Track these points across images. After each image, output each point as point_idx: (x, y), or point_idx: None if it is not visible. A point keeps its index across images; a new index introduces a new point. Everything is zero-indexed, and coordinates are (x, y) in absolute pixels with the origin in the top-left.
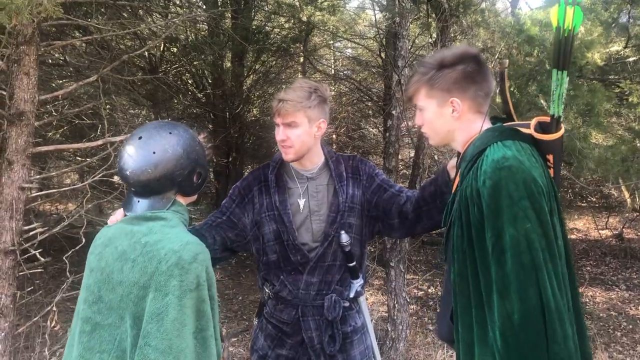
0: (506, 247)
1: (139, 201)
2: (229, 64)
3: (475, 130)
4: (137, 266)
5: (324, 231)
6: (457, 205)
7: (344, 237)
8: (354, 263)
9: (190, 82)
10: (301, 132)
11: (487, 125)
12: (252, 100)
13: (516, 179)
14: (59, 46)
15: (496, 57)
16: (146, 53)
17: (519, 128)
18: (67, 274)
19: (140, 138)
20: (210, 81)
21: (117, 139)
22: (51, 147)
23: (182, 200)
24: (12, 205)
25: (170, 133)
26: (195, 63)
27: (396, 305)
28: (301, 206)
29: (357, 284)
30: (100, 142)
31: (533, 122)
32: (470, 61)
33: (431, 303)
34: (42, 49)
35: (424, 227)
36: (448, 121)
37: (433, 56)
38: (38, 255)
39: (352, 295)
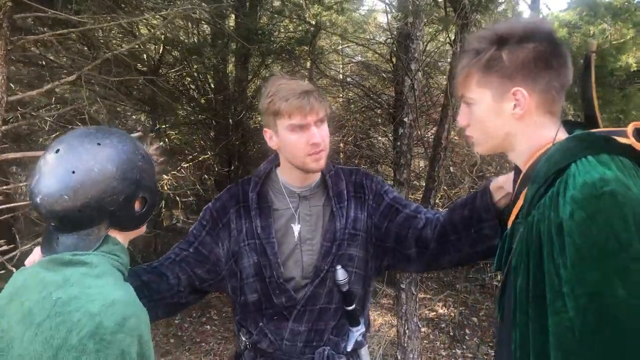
0: (607, 316)
1: (58, 238)
2: (231, 68)
3: (545, 138)
4: (42, 335)
5: (316, 265)
6: (522, 244)
7: (341, 274)
8: (354, 306)
9: (192, 86)
10: (328, 130)
11: (563, 131)
12: (256, 107)
13: (624, 212)
14: (32, 41)
15: None
16: (145, 55)
17: (613, 136)
18: None
19: (57, 151)
20: (212, 86)
21: None
22: (18, 155)
23: (119, 236)
24: None
25: (98, 144)
26: (196, 67)
27: (407, 332)
28: (291, 232)
29: (358, 332)
30: None
31: (630, 128)
32: (545, 38)
33: (444, 326)
34: (13, 44)
35: (451, 262)
36: (507, 121)
37: (490, 29)
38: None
39: (350, 347)
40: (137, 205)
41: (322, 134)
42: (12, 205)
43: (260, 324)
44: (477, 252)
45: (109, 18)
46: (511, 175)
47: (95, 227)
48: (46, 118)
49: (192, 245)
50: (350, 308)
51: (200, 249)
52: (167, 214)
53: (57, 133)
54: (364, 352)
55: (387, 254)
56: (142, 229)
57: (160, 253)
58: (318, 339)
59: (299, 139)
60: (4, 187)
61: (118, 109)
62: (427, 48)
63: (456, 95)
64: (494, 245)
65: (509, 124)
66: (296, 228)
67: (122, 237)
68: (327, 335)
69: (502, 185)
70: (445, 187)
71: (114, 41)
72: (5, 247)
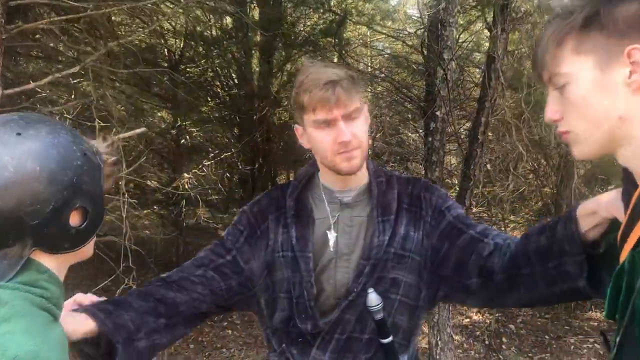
0: None
1: None
2: (256, 62)
3: None
4: None
5: (348, 285)
6: None
7: (373, 299)
8: (391, 339)
9: (215, 82)
10: (364, 124)
11: None
12: (281, 102)
13: None
14: (31, 29)
15: None
16: (165, 50)
17: None
18: None
19: None
20: (235, 81)
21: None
22: None
23: (47, 261)
24: None
25: (18, 134)
26: (218, 61)
27: (439, 343)
28: (327, 245)
29: None
30: None
31: None
32: None
33: (478, 334)
34: (9, 33)
35: (519, 301)
36: (619, 97)
37: None
38: None
39: None
40: (73, 219)
41: (353, 130)
42: None
43: (283, 345)
44: (554, 293)
45: (110, 3)
46: (613, 195)
47: (11, 247)
48: (66, 116)
49: (230, 252)
50: (385, 341)
51: (237, 258)
52: (189, 213)
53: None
54: None
55: (443, 282)
56: (86, 252)
57: (183, 255)
58: None
59: (326, 136)
60: None
61: (145, 106)
62: (460, 39)
63: (543, 80)
64: (577, 288)
65: (622, 102)
66: (332, 239)
67: (52, 262)
68: None
69: (594, 210)
70: (484, 189)
71: (125, 32)
72: None
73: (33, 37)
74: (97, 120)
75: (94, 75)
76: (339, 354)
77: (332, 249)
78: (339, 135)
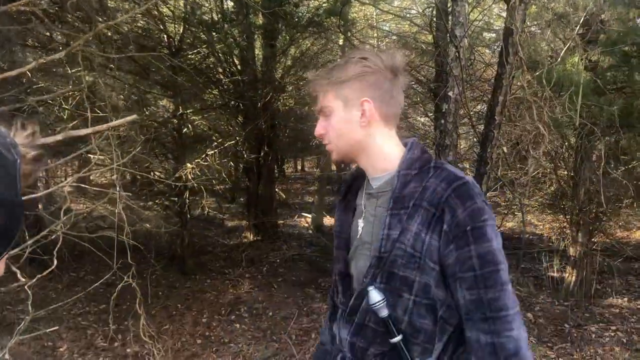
0: None
1: None
2: (258, 47)
3: None
4: None
5: (364, 275)
6: None
7: (372, 296)
8: (399, 338)
9: (218, 68)
10: (337, 120)
11: None
12: (285, 88)
13: None
14: (10, 12)
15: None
16: (165, 36)
17: None
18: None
19: None
20: (239, 67)
21: (81, 132)
22: None
23: None
24: None
25: None
26: (219, 47)
27: None
28: (357, 231)
29: None
30: (59, 136)
31: None
32: None
33: None
34: None
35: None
36: (355, 128)
37: None
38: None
39: None
40: None
41: (323, 125)
42: None
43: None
44: None
45: None
46: None
47: None
48: (65, 107)
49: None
50: (393, 340)
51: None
52: (194, 204)
53: (75, 121)
54: None
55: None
56: None
57: (188, 247)
58: (360, 357)
59: None
60: None
61: (148, 95)
62: (470, 18)
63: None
64: None
65: (358, 132)
66: (360, 227)
67: None
68: (371, 358)
69: None
70: (497, 171)
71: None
72: None
73: (23, 22)
74: (88, 108)
75: (84, 61)
76: (356, 337)
77: (358, 236)
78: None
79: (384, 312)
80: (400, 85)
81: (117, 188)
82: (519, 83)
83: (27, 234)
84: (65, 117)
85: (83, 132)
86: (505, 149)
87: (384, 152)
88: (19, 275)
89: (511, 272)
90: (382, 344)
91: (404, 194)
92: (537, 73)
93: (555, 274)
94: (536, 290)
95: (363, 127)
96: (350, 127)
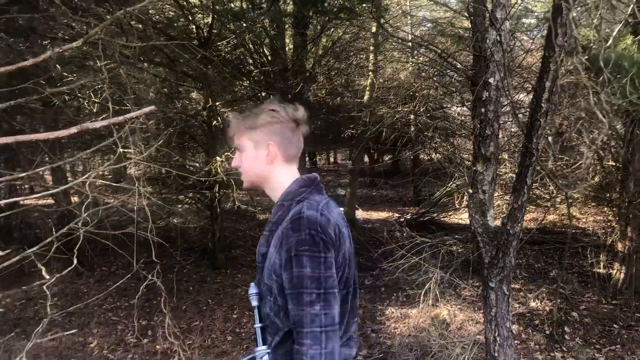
0: None
1: None
2: (288, 36)
3: None
4: None
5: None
6: None
7: (250, 289)
8: (260, 325)
9: (249, 60)
10: (248, 157)
11: None
12: (316, 78)
13: None
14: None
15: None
16: (193, 26)
17: None
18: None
19: None
20: (269, 58)
21: (97, 124)
22: (10, 139)
23: None
24: None
25: None
26: (248, 36)
27: (497, 339)
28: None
29: (258, 353)
30: (74, 129)
31: None
32: None
33: (537, 322)
34: None
35: None
36: (262, 164)
37: None
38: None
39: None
40: None
41: (238, 158)
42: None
43: None
44: None
45: None
46: None
47: None
48: (94, 100)
49: None
50: (255, 326)
51: None
52: (225, 198)
53: (105, 115)
54: None
55: None
56: None
57: (219, 241)
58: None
59: None
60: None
61: (180, 88)
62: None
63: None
64: None
65: (264, 167)
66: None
67: None
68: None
69: None
70: (541, 164)
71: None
72: None
73: (43, 11)
74: (109, 99)
75: (104, 52)
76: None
77: None
78: None
79: (254, 303)
80: (302, 132)
81: (137, 183)
82: (563, 69)
83: (54, 230)
84: (95, 110)
85: (98, 124)
86: (550, 138)
87: (282, 185)
88: (43, 272)
89: (554, 269)
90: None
91: (274, 220)
92: (586, 56)
93: (601, 271)
94: (581, 287)
95: (268, 164)
96: (258, 163)
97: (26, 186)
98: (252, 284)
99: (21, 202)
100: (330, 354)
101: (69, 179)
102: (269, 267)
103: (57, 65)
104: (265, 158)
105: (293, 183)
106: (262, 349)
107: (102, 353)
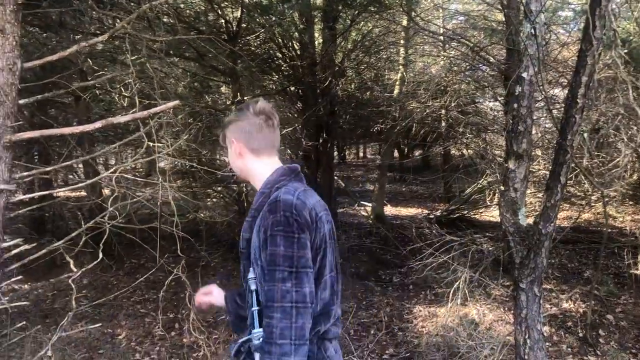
0: None
1: None
2: (317, 29)
3: None
4: None
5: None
6: None
7: (250, 274)
8: (257, 308)
9: (277, 54)
10: (228, 154)
11: None
12: (345, 72)
13: None
14: None
15: None
16: (222, 20)
17: None
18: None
19: None
20: (298, 52)
21: (120, 119)
22: (36, 133)
23: None
24: None
25: None
26: (277, 30)
27: (528, 341)
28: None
29: (256, 334)
30: (98, 124)
31: None
32: None
33: (570, 325)
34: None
35: None
36: (237, 158)
37: None
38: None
39: (240, 341)
40: None
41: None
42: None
43: None
44: None
45: None
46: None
47: None
48: (124, 94)
49: None
50: (252, 309)
51: None
52: (253, 192)
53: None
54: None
55: None
56: None
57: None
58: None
59: None
60: (29, 173)
61: (211, 83)
62: None
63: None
64: None
65: (239, 161)
66: None
67: None
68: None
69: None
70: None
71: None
72: (26, 246)
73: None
74: (135, 93)
75: (132, 46)
76: (246, 311)
77: None
78: None
79: (253, 287)
80: (272, 125)
81: (159, 177)
82: (601, 63)
83: (83, 223)
84: (125, 104)
85: (122, 119)
86: (586, 135)
87: (261, 175)
88: (71, 265)
89: (588, 269)
90: (250, 316)
91: (256, 207)
92: (625, 50)
93: (639, 272)
94: (617, 289)
95: (238, 158)
96: (233, 159)
97: (59, 179)
98: (251, 269)
99: (54, 195)
100: (301, 329)
101: (103, 172)
102: (253, 251)
103: (89, 60)
104: (234, 153)
105: (274, 172)
106: (259, 330)
107: (130, 345)
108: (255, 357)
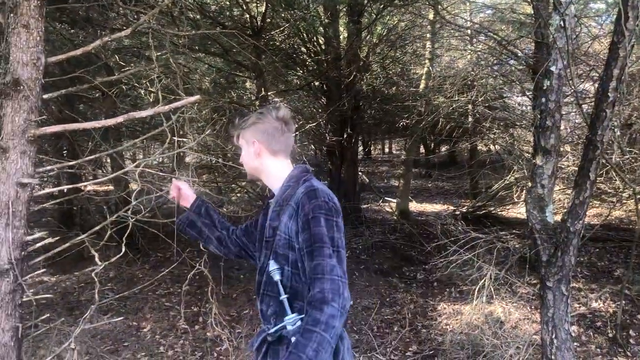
0: None
1: None
2: (342, 24)
3: None
4: None
5: (260, 256)
6: None
7: (270, 265)
8: (286, 296)
9: (302, 49)
10: (245, 153)
11: None
12: (370, 67)
13: None
14: None
15: None
16: (247, 15)
17: None
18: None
19: None
20: (323, 47)
21: (142, 114)
22: (59, 127)
23: None
24: (7, 208)
25: None
26: (301, 24)
27: (554, 341)
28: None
29: (290, 320)
30: (120, 118)
31: None
32: None
33: (599, 324)
34: None
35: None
36: (252, 158)
37: None
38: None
39: (271, 331)
40: None
41: (241, 155)
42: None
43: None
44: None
45: None
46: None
47: None
48: (150, 89)
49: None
50: (281, 298)
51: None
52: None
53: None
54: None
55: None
56: None
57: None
58: (266, 318)
59: None
60: (51, 167)
61: (236, 79)
62: None
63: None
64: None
65: (254, 161)
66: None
67: None
68: (267, 317)
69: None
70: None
71: None
72: (50, 240)
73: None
74: (159, 89)
75: (155, 40)
76: (262, 304)
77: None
78: None
79: (277, 277)
80: (290, 130)
81: (176, 172)
82: (634, 55)
83: (108, 216)
84: (151, 99)
85: (144, 113)
86: (617, 130)
87: (276, 174)
88: (96, 259)
89: (619, 268)
90: (274, 305)
91: (283, 198)
92: None
93: None
94: None
95: (256, 158)
96: (249, 158)
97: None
98: (271, 261)
99: (82, 189)
100: (345, 300)
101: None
102: (283, 238)
103: (116, 56)
104: (253, 153)
105: (294, 169)
106: (292, 316)
107: (154, 338)
108: (291, 340)
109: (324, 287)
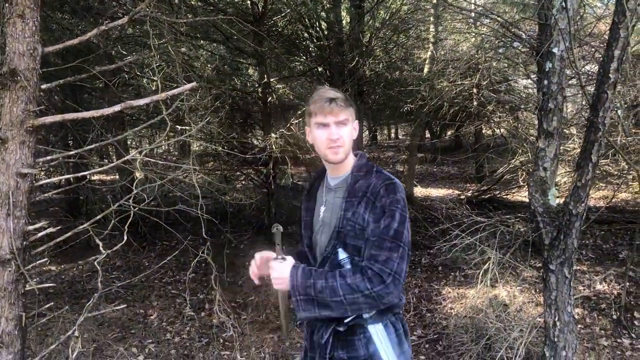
0: None
1: None
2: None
3: None
4: None
5: (325, 246)
6: None
7: (340, 254)
8: None
9: (304, 35)
10: (350, 130)
11: None
12: (373, 52)
13: None
14: None
15: None
16: (248, 1)
17: None
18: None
19: None
20: (325, 32)
21: (140, 102)
22: (57, 117)
23: None
24: (8, 198)
25: None
26: (303, 9)
27: (557, 324)
28: (320, 216)
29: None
30: (117, 107)
31: None
32: None
33: (604, 307)
34: None
35: None
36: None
37: None
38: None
39: (347, 320)
40: None
41: (340, 133)
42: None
43: None
44: None
45: None
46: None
47: None
48: (153, 78)
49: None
50: None
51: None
52: (281, 174)
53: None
54: (374, 330)
55: None
56: None
57: (275, 217)
58: None
59: (322, 134)
60: (50, 157)
61: (239, 66)
62: None
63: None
64: None
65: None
66: (321, 212)
67: None
68: None
69: None
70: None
71: None
72: (51, 229)
73: None
74: (158, 77)
75: (153, 28)
76: None
77: (320, 219)
78: (330, 134)
79: (348, 267)
80: None
81: (175, 159)
82: (636, 37)
83: (112, 205)
84: (153, 88)
85: (142, 101)
86: (620, 112)
87: (348, 160)
88: (100, 247)
89: (624, 250)
90: None
91: (355, 188)
92: None
93: None
94: None
95: (353, 138)
96: (351, 138)
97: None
98: (340, 250)
99: (86, 178)
100: (393, 297)
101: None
102: (357, 229)
103: (118, 45)
104: (354, 132)
105: (360, 158)
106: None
107: (161, 325)
108: (372, 329)
109: (373, 268)
